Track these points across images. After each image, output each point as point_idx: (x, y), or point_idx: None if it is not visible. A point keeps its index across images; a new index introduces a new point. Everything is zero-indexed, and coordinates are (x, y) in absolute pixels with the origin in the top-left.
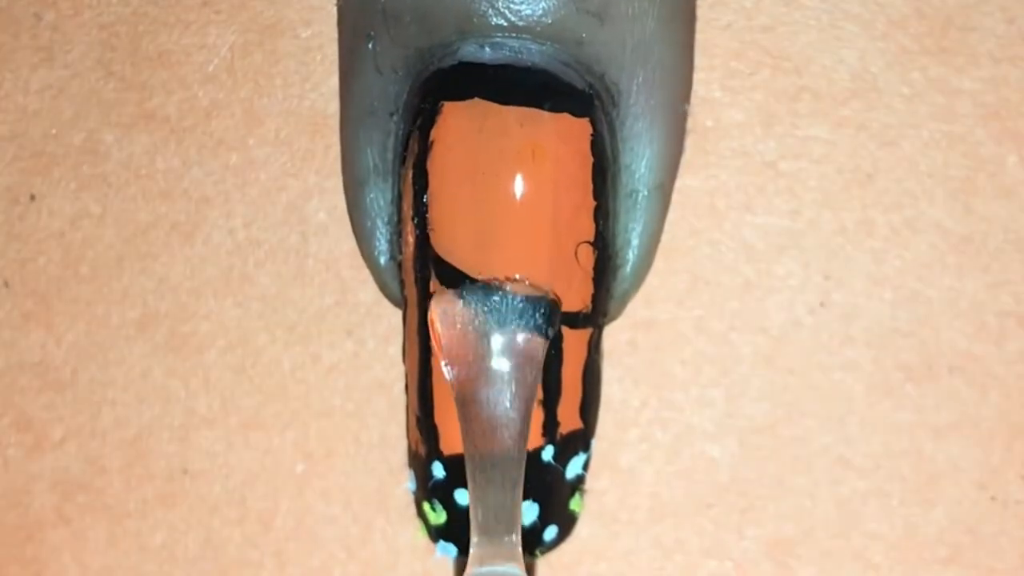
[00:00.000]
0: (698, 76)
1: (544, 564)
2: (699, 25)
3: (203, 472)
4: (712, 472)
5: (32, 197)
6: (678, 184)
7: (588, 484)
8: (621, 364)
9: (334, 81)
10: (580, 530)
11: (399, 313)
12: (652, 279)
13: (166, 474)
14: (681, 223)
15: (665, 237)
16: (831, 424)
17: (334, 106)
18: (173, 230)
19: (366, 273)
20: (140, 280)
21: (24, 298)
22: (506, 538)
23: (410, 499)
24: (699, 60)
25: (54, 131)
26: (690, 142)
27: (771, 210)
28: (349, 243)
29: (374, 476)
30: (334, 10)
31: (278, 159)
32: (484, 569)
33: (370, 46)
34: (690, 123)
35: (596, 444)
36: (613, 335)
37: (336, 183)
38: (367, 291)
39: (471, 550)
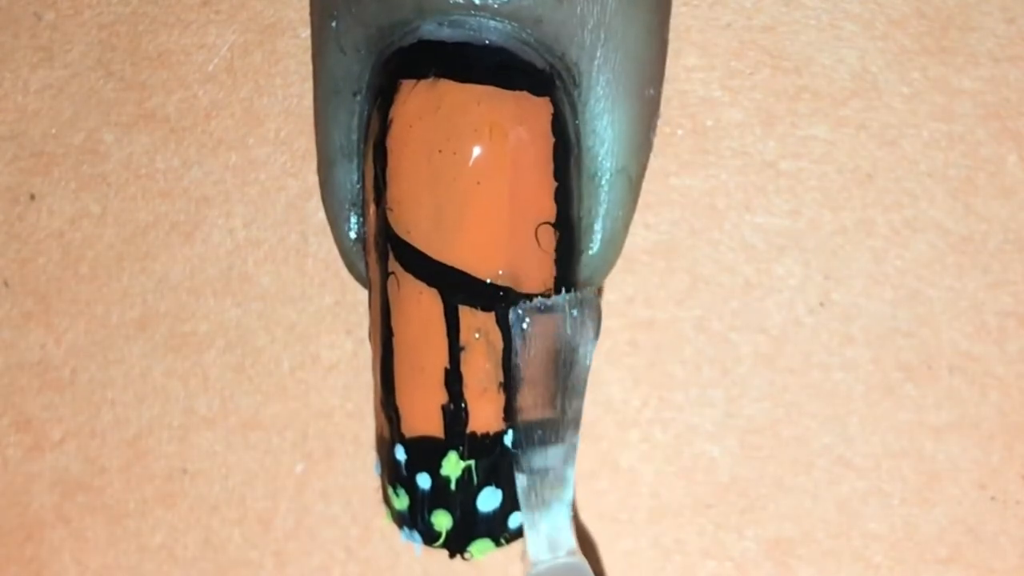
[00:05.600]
0: (698, 76)
1: None
2: (699, 25)
3: (203, 472)
4: (712, 472)
5: (32, 197)
6: (678, 184)
7: (588, 484)
8: (621, 364)
9: None
10: (580, 530)
11: None
12: (652, 279)
13: (166, 474)
14: (681, 223)
15: (665, 237)
16: (831, 424)
17: None
18: (173, 230)
19: None
20: (140, 280)
21: (24, 298)
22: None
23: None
24: (699, 60)
25: (54, 131)
26: (690, 142)
27: (771, 210)
28: None
29: (374, 476)
30: None
31: (278, 159)
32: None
33: (334, 25)
34: (690, 123)
35: (596, 440)
36: (613, 335)
37: None
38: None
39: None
